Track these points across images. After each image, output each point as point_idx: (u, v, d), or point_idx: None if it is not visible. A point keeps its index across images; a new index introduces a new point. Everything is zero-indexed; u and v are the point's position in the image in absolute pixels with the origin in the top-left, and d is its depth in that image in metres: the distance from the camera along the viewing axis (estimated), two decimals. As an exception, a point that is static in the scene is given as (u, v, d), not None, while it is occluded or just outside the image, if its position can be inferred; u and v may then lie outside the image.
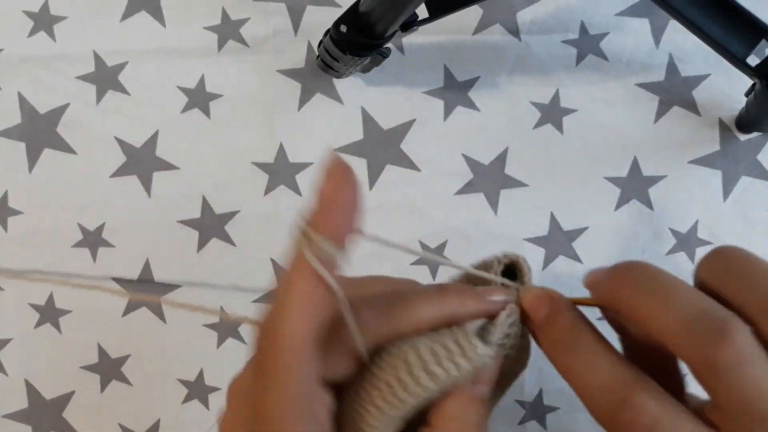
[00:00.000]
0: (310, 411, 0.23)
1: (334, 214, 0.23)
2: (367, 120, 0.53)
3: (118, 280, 0.53)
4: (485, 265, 0.30)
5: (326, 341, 0.24)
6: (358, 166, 0.53)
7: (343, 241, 0.23)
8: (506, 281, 0.29)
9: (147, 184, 0.53)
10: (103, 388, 0.53)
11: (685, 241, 0.52)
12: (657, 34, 0.53)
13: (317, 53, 0.51)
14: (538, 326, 0.27)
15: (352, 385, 0.27)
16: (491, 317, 0.28)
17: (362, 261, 0.52)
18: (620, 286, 0.25)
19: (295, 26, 0.54)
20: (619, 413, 0.23)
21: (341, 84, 0.54)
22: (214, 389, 0.53)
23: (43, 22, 0.54)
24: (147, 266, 0.53)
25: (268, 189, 0.53)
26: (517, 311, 0.28)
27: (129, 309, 0.53)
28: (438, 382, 0.26)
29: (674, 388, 0.25)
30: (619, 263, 0.26)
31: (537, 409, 0.52)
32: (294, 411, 0.22)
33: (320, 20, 0.53)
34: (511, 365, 0.30)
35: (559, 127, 0.53)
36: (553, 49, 0.53)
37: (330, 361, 0.25)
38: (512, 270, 0.30)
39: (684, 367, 0.25)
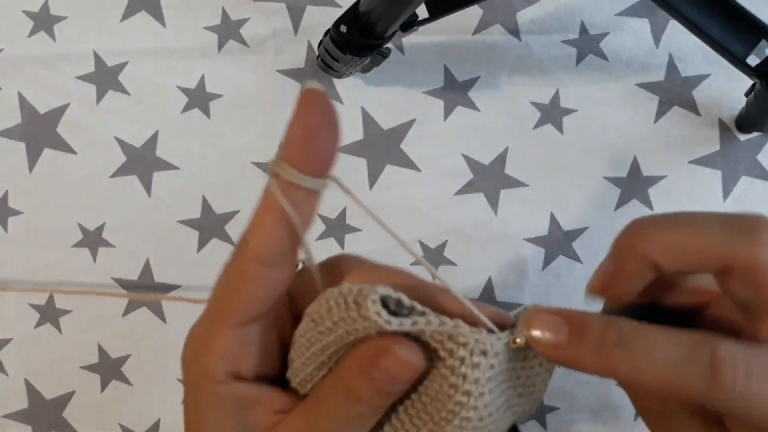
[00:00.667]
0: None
1: (303, 142, 0.22)
2: (367, 120, 0.53)
3: (118, 281, 0.53)
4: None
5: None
6: (358, 166, 0.53)
7: (316, 168, 0.23)
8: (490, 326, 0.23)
9: (147, 184, 0.53)
10: (103, 388, 0.53)
11: (685, 241, 0.52)
12: (657, 34, 0.53)
13: (317, 53, 0.51)
14: (563, 350, 0.23)
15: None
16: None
17: (362, 261, 0.52)
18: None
19: (295, 26, 0.54)
20: (715, 375, 0.21)
21: (341, 84, 0.54)
22: (214, 389, 0.53)
23: (43, 22, 0.54)
24: (147, 266, 0.53)
25: (268, 189, 0.53)
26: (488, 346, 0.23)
27: (129, 309, 0.53)
28: (323, 327, 0.24)
29: None
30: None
31: (537, 409, 0.52)
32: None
33: (320, 20, 0.53)
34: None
35: (559, 127, 0.53)
36: (553, 49, 0.53)
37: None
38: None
39: None
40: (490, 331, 0.23)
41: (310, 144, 0.22)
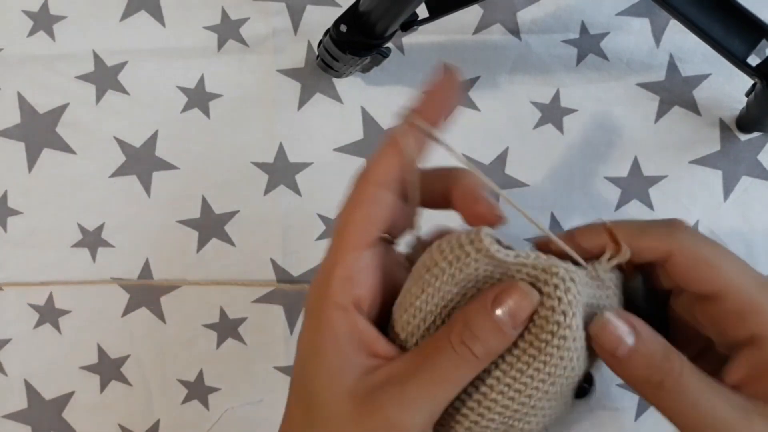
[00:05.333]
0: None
1: (431, 105, 0.28)
2: (367, 120, 0.53)
3: (117, 281, 0.53)
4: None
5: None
6: (358, 166, 0.53)
7: (435, 124, 0.28)
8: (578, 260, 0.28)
9: (147, 184, 0.53)
10: (102, 389, 0.53)
11: (686, 241, 0.52)
12: (657, 33, 0.53)
13: (317, 53, 0.51)
14: (615, 358, 0.26)
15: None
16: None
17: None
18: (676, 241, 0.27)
19: (295, 26, 0.54)
20: None
21: (341, 84, 0.53)
22: (214, 389, 0.53)
23: (43, 21, 0.54)
24: (147, 266, 0.53)
25: (268, 189, 0.53)
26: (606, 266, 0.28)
27: (129, 309, 0.53)
28: (439, 274, 0.27)
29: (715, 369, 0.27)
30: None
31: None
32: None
33: (320, 20, 0.53)
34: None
35: (560, 127, 0.53)
36: (553, 49, 0.53)
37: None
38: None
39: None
40: (575, 264, 0.28)
41: (437, 105, 0.28)
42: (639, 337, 0.26)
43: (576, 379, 0.28)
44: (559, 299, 0.26)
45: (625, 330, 0.26)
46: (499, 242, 0.27)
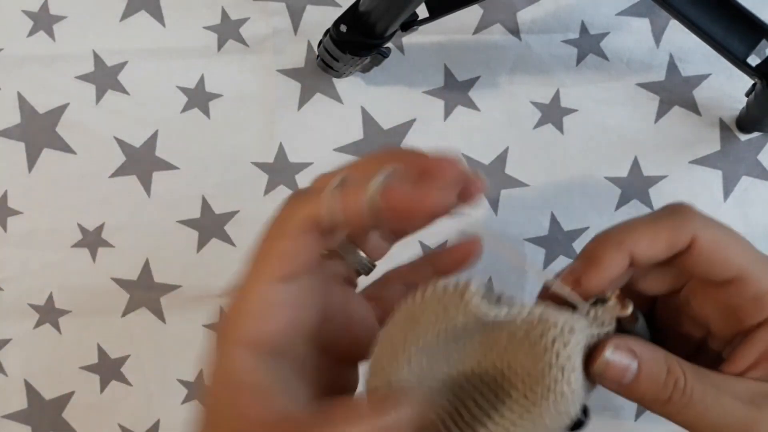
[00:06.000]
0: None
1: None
2: (367, 120, 0.53)
3: (117, 281, 0.53)
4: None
5: None
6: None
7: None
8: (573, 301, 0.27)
9: (146, 184, 0.53)
10: (102, 389, 0.53)
11: (686, 241, 0.52)
12: (657, 33, 0.53)
13: (317, 53, 0.51)
14: (622, 386, 0.27)
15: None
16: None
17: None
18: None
19: (295, 26, 0.54)
20: None
21: (341, 84, 0.53)
22: (214, 389, 0.53)
23: (43, 21, 0.54)
24: (147, 266, 0.53)
25: (268, 189, 0.53)
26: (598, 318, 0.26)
27: (128, 309, 0.53)
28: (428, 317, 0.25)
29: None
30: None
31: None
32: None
33: (320, 20, 0.53)
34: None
35: (560, 127, 0.53)
36: (553, 49, 0.53)
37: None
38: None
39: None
40: (573, 306, 0.26)
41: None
42: (641, 360, 0.26)
43: (572, 418, 0.27)
44: (557, 354, 0.25)
45: (626, 359, 0.26)
46: (489, 294, 0.25)
